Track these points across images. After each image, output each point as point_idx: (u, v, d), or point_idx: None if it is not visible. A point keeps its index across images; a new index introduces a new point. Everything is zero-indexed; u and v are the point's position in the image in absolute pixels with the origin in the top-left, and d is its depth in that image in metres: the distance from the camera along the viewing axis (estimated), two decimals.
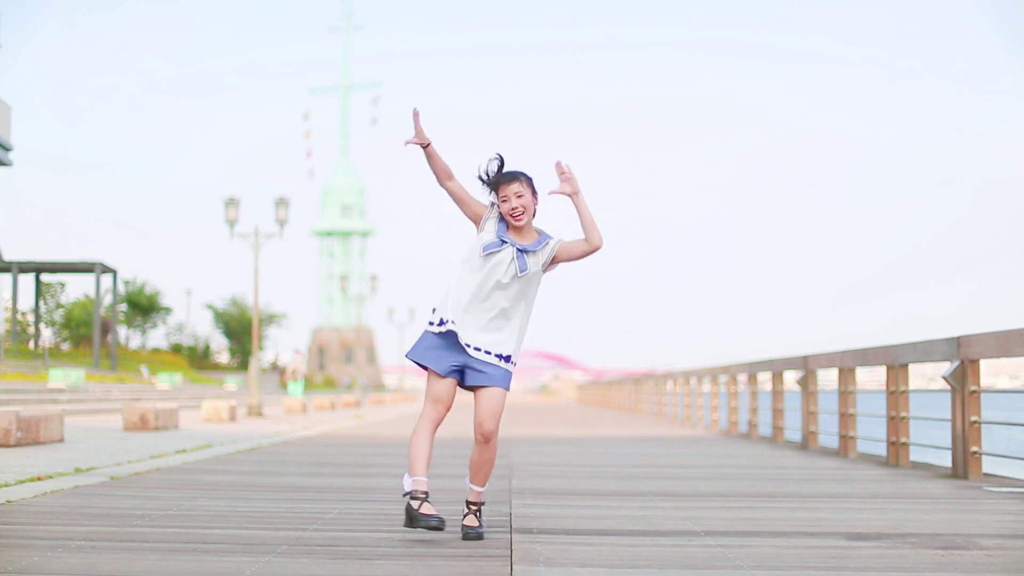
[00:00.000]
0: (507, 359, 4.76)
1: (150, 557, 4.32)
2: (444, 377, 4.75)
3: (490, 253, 4.69)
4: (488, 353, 4.72)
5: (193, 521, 5.41)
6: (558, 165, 4.76)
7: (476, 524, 4.90)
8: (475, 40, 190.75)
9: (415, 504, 4.68)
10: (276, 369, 70.33)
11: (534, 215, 4.80)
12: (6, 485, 6.91)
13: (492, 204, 4.79)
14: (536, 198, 4.77)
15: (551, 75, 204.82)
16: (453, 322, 4.69)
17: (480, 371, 4.74)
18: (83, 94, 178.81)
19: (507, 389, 4.78)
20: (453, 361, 4.74)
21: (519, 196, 4.69)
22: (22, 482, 7.13)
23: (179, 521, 5.40)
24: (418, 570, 4.13)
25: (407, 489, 4.72)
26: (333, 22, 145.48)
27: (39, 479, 7.35)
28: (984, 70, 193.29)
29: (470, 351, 4.70)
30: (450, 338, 4.74)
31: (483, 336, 4.71)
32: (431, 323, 4.78)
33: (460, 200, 4.80)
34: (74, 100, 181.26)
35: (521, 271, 4.69)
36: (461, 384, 4.82)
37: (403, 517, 4.81)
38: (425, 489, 4.72)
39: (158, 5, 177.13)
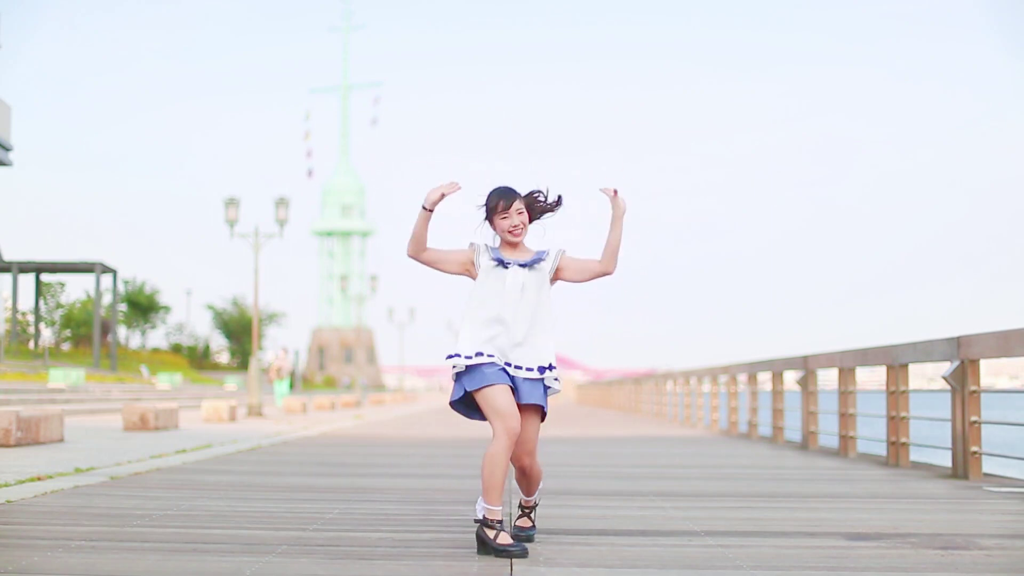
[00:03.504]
0: (543, 369, 4.63)
1: (150, 557, 4.32)
2: (499, 386, 4.51)
3: (498, 275, 4.64)
4: (521, 368, 4.59)
5: (193, 521, 5.41)
6: (615, 192, 4.72)
7: (530, 526, 4.89)
8: (475, 40, 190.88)
9: (491, 534, 4.44)
10: None
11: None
12: (6, 485, 6.91)
13: (471, 244, 4.73)
14: (530, 217, 4.73)
15: (551, 75, 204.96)
16: (489, 355, 4.55)
17: (521, 387, 4.59)
18: (83, 94, 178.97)
19: (544, 408, 4.63)
20: (506, 375, 4.57)
21: (520, 213, 4.67)
22: (22, 482, 7.13)
23: (179, 521, 5.40)
24: (418, 570, 4.13)
25: (479, 516, 4.49)
26: (333, 22, 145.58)
27: (39, 479, 7.35)
28: (984, 70, 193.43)
29: (510, 370, 4.59)
30: (484, 363, 4.57)
31: (519, 354, 4.61)
32: (455, 355, 4.58)
33: (441, 260, 4.71)
34: (74, 100, 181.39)
35: (536, 280, 4.65)
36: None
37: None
38: (500, 518, 4.48)
39: (158, 5, 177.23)
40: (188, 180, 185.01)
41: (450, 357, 4.60)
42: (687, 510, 6.16)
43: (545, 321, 4.68)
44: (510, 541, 4.43)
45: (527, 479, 4.82)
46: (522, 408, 4.59)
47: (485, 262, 4.69)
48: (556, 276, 4.76)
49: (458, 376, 4.61)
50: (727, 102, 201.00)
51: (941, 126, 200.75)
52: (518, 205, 4.67)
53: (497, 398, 4.48)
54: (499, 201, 4.65)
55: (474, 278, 4.70)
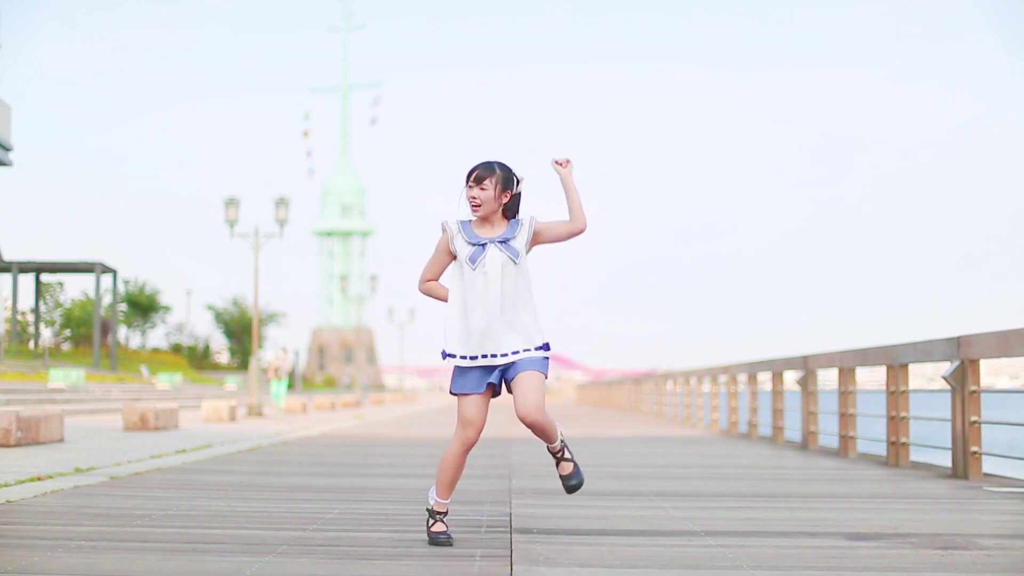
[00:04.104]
0: (540, 348, 4.65)
1: (150, 557, 4.32)
2: (475, 395, 4.63)
3: (478, 262, 4.62)
4: (516, 352, 4.62)
5: (193, 521, 5.41)
6: (563, 161, 4.75)
7: (571, 470, 4.85)
8: (475, 40, 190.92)
9: (429, 522, 4.73)
10: None
11: (507, 211, 4.70)
12: (6, 485, 6.91)
13: (443, 226, 4.73)
14: (508, 195, 4.67)
15: (551, 75, 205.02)
16: (471, 356, 4.61)
17: (510, 368, 4.62)
18: (83, 94, 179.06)
19: (543, 372, 4.65)
20: (487, 378, 4.63)
21: (483, 189, 4.62)
22: (22, 482, 7.13)
23: (179, 521, 5.40)
24: (418, 570, 4.13)
25: (429, 505, 4.76)
26: (333, 22, 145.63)
27: (39, 479, 7.35)
28: (984, 70, 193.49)
29: (509, 359, 4.60)
30: (469, 367, 4.65)
31: (507, 339, 4.61)
32: (450, 356, 4.65)
33: (437, 271, 4.80)
34: (74, 100, 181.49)
35: (516, 258, 4.62)
36: (505, 388, 4.70)
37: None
38: (442, 510, 4.73)
39: (158, 5, 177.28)
40: (188, 180, 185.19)
41: (444, 356, 4.70)
42: (687, 510, 6.16)
43: (526, 298, 4.68)
44: (442, 530, 4.70)
45: (542, 432, 4.73)
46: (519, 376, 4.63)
47: (461, 245, 4.67)
48: (533, 242, 4.72)
49: (455, 369, 4.71)
50: (727, 102, 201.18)
51: (941, 126, 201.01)
52: (486, 182, 4.63)
53: (466, 408, 4.64)
54: (471, 172, 4.67)
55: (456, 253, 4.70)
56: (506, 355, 4.60)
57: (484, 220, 4.71)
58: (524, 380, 4.60)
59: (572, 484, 4.88)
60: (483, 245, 4.64)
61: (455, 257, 4.72)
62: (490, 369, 4.63)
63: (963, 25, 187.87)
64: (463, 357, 4.63)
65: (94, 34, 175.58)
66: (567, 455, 4.90)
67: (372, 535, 5.01)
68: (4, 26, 29.71)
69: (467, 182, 4.68)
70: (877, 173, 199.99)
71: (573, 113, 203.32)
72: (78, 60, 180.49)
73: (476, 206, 4.66)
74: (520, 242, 4.68)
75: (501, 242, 4.65)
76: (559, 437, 4.85)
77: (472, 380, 4.64)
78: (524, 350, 4.62)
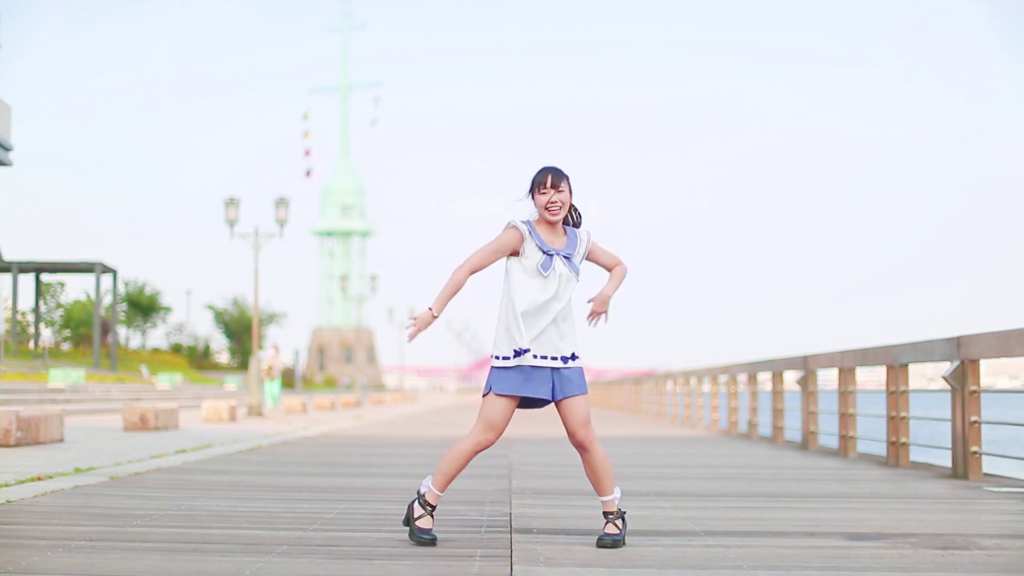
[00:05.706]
0: (574, 357, 4.72)
1: (150, 557, 4.32)
2: (506, 399, 4.63)
3: (549, 271, 4.67)
4: (567, 359, 4.67)
5: (193, 521, 5.42)
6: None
7: (616, 532, 4.71)
8: (475, 40, 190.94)
9: (417, 511, 4.69)
10: None
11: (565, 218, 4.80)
12: (6, 485, 6.91)
13: (509, 225, 4.70)
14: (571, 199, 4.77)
15: (551, 75, 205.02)
16: (526, 351, 4.61)
17: (564, 381, 4.66)
18: (84, 94, 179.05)
19: (586, 391, 4.74)
20: (529, 388, 4.63)
21: (560, 192, 4.66)
22: (22, 482, 7.13)
23: (179, 521, 5.40)
24: (418, 570, 4.13)
25: (422, 491, 4.71)
26: (333, 22, 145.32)
27: (39, 479, 7.35)
28: (983, 72, 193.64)
29: (558, 363, 4.65)
30: (524, 366, 4.63)
31: (557, 344, 4.65)
32: (497, 357, 4.66)
33: (487, 263, 4.75)
34: (75, 100, 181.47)
35: (575, 273, 4.72)
36: (530, 405, 4.73)
37: (404, 516, 4.83)
38: (433, 503, 4.69)
39: (158, 6, 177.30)
40: (188, 180, 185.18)
41: (498, 359, 4.67)
42: (687, 510, 6.16)
43: (574, 308, 4.77)
44: (428, 527, 4.65)
45: (590, 463, 4.72)
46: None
47: (531, 251, 4.68)
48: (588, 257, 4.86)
49: (495, 371, 4.68)
50: (726, 102, 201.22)
51: (939, 127, 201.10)
52: (562, 185, 4.68)
53: (497, 410, 4.63)
54: (546, 176, 4.68)
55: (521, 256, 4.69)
56: (564, 359, 4.66)
57: (551, 226, 4.73)
58: (573, 402, 4.68)
59: (606, 542, 4.68)
60: (551, 255, 4.67)
61: (514, 255, 4.70)
62: (532, 380, 4.62)
63: (962, 26, 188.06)
64: (519, 352, 4.60)
65: (94, 35, 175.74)
66: (619, 522, 4.74)
67: (372, 535, 5.01)
68: (4, 26, 29.73)
69: (539, 188, 4.65)
70: (876, 173, 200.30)
71: (573, 113, 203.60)
72: (79, 61, 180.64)
73: (557, 211, 4.65)
74: (579, 259, 4.77)
75: (565, 257, 4.71)
76: (616, 495, 4.74)
77: (513, 382, 4.61)
78: (565, 359, 4.68)
